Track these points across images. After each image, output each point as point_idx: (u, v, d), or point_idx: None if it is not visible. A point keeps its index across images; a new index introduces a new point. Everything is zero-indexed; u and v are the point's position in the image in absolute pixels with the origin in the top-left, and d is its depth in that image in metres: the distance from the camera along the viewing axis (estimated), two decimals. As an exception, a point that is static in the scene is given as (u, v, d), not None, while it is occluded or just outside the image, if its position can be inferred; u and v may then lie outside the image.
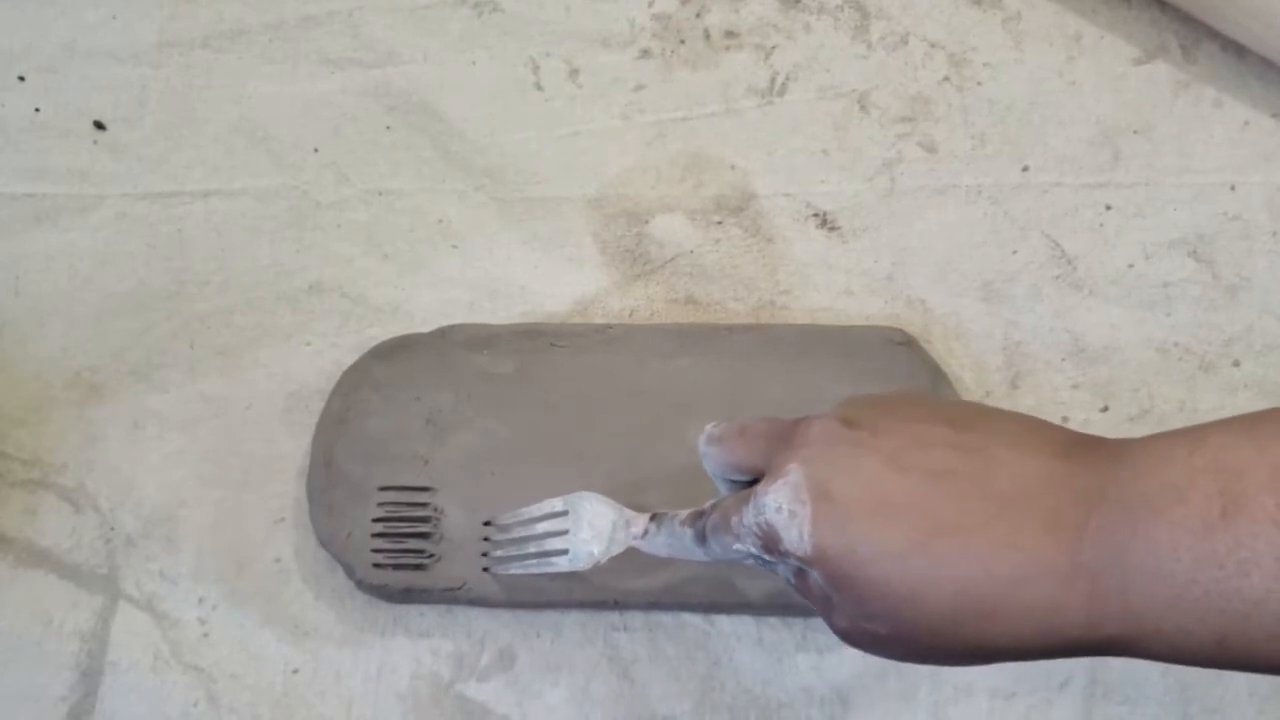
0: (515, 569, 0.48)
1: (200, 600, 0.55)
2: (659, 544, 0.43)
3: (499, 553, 0.49)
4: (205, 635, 0.54)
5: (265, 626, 0.54)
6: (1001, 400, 0.57)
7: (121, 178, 0.62)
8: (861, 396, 0.39)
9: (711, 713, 0.53)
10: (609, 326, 0.57)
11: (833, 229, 0.60)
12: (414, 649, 0.54)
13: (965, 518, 0.34)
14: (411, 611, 0.54)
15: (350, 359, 0.57)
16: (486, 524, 0.53)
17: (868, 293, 0.59)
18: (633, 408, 0.55)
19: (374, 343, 0.57)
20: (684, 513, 0.42)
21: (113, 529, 0.56)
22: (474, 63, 0.64)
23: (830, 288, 0.59)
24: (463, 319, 0.58)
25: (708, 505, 0.41)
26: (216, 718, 0.53)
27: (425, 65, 0.63)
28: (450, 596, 0.53)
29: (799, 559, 0.36)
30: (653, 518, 0.44)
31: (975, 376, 0.57)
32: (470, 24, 0.64)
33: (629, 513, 0.45)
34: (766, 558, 0.37)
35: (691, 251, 0.60)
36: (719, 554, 0.40)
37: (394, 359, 0.56)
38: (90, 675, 0.54)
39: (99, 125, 0.63)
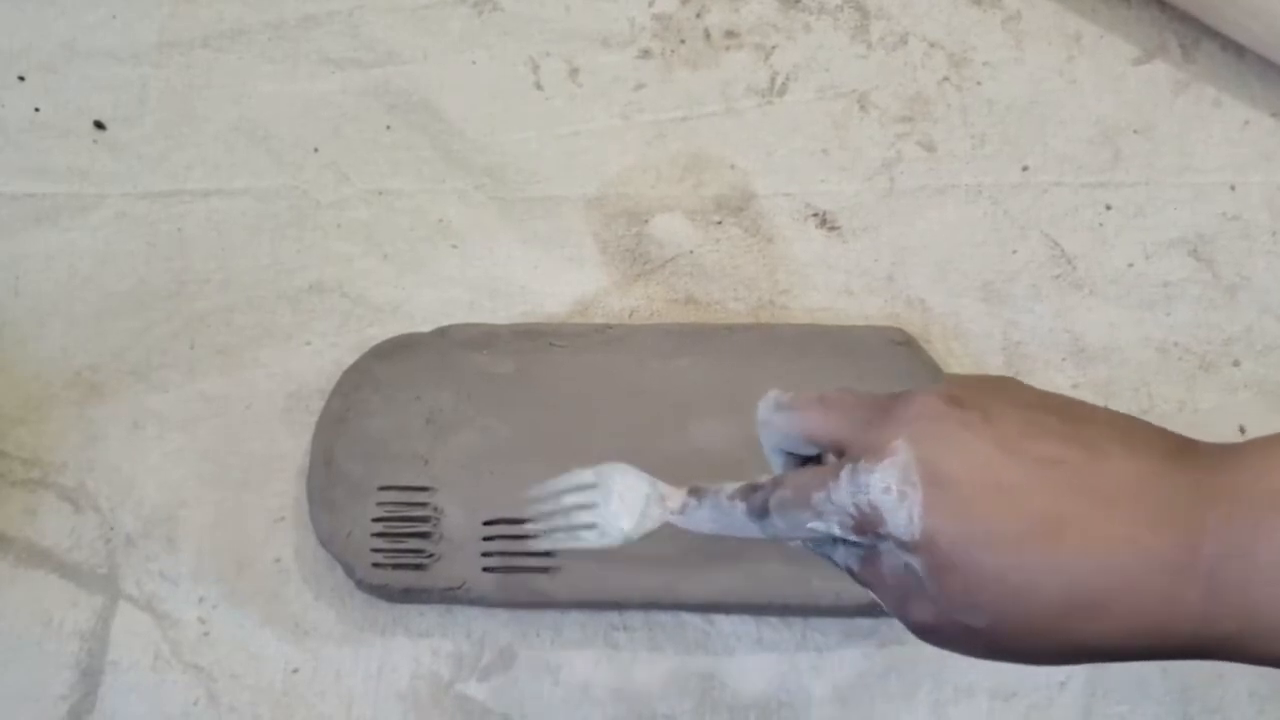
0: (544, 544, 0.44)
1: (200, 599, 0.55)
2: (700, 519, 0.40)
3: (529, 526, 0.45)
4: (205, 634, 0.54)
5: (265, 626, 0.54)
6: (1001, 400, 0.57)
7: (122, 177, 0.62)
8: (961, 376, 0.37)
9: (711, 712, 0.53)
10: (609, 326, 0.57)
11: (832, 229, 0.60)
12: (414, 648, 0.54)
13: (1079, 510, 0.33)
14: (411, 611, 0.54)
15: (350, 358, 0.57)
16: (487, 524, 0.53)
17: (867, 292, 0.59)
18: (633, 407, 0.55)
19: (374, 342, 0.57)
20: (731, 486, 0.39)
21: (113, 528, 0.56)
22: (474, 62, 0.64)
23: (830, 287, 0.59)
24: (463, 319, 0.58)
25: (765, 480, 0.38)
26: (217, 717, 0.53)
27: (425, 65, 0.63)
28: (450, 596, 0.53)
29: (902, 544, 0.34)
30: (692, 491, 0.41)
31: (975, 376, 0.57)
32: (470, 23, 0.64)
33: (664, 486, 0.42)
34: (851, 538, 0.36)
35: (691, 251, 0.60)
36: (782, 531, 0.37)
37: (394, 359, 0.56)
38: (90, 674, 0.54)
39: (99, 125, 0.63)
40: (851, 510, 0.35)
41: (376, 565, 0.53)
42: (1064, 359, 0.58)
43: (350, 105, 0.63)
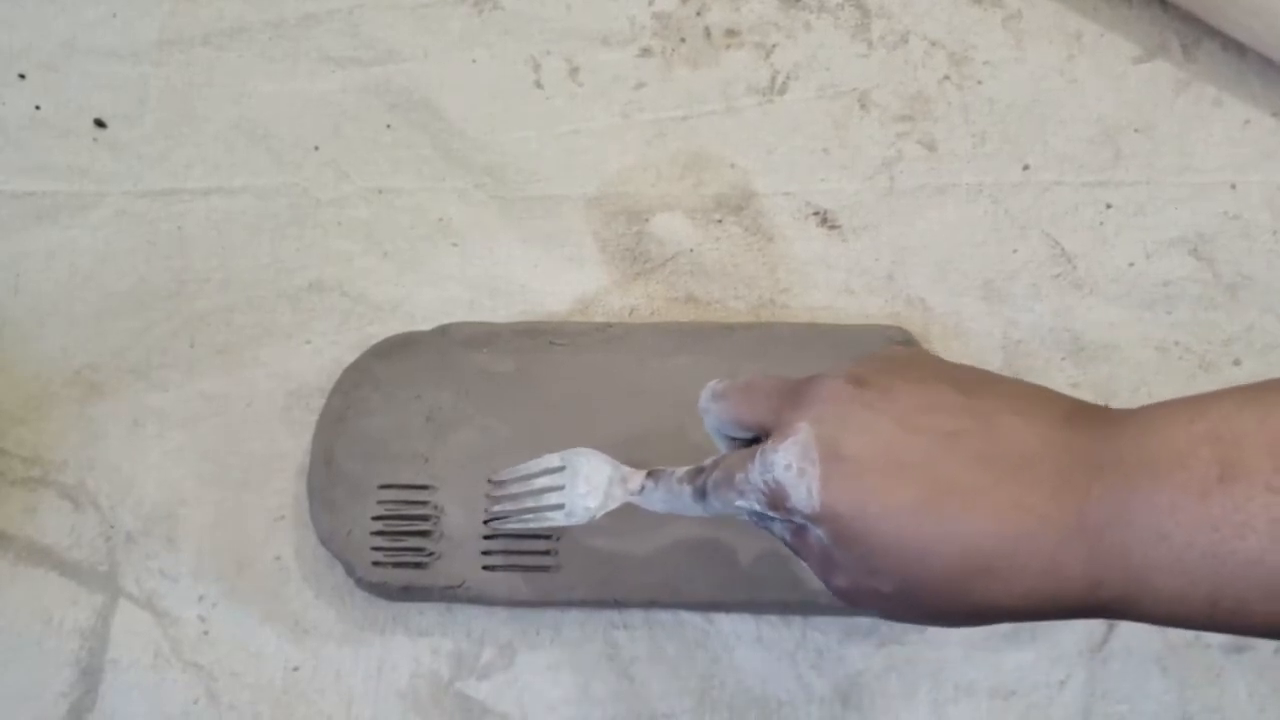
0: (513, 524, 0.48)
1: (200, 598, 0.55)
2: (655, 499, 0.43)
3: (497, 508, 0.49)
4: (205, 633, 0.54)
5: (265, 624, 0.54)
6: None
7: (122, 176, 0.62)
8: (868, 357, 0.39)
9: (711, 711, 0.53)
10: (609, 325, 0.57)
11: (833, 228, 0.60)
12: (414, 647, 0.54)
13: (973, 479, 0.34)
14: (411, 610, 0.54)
15: (350, 357, 0.57)
16: (487, 525, 0.53)
17: (868, 291, 0.59)
18: (633, 406, 0.55)
19: (374, 341, 0.57)
20: (682, 469, 0.42)
21: (113, 527, 0.56)
22: (474, 61, 0.64)
23: (830, 286, 0.59)
24: (463, 317, 0.58)
25: (707, 462, 0.41)
26: (217, 715, 0.53)
27: (425, 63, 0.63)
28: (450, 595, 0.53)
29: (806, 516, 0.36)
30: (650, 474, 0.44)
31: (975, 375, 0.57)
32: (470, 22, 0.64)
33: (626, 469, 0.45)
34: (770, 514, 0.38)
35: (692, 250, 0.60)
36: (718, 510, 0.40)
37: (394, 357, 0.56)
38: (90, 673, 0.54)
39: (99, 123, 0.63)
40: (762, 488, 0.37)
41: (376, 564, 0.53)
42: (1064, 358, 0.58)
43: (350, 104, 0.63)
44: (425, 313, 0.59)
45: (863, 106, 0.62)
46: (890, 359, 0.39)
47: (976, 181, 0.61)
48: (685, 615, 0.54)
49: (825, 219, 0.61)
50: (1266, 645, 0.53)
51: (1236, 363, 0.58)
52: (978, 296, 0.59)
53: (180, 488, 0.56)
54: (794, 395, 0.38)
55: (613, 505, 0.45)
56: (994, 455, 0.35)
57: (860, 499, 0.35)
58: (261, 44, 0.64)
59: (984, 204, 0.60)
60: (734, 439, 0.42)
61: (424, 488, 0.54)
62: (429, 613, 0.54)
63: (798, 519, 0.37)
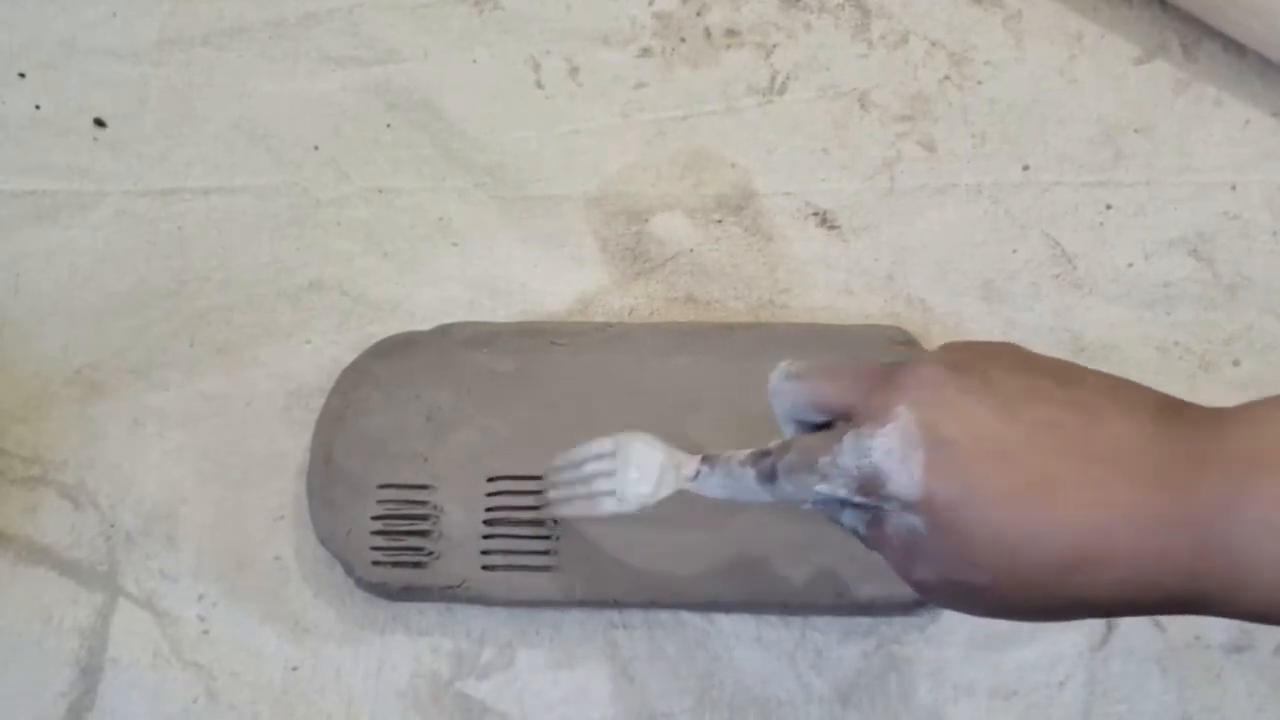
0: (564, 511, 0.46)
1: (200, 597, 0.55)
2: (713, 485, 0.42)
3: (550, 494, 0.47)
4: (205, 632, 0.54)
5: (265, 624, 0.54)
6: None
7: (122, 175, 0.62)
8: (961, 343, 0.38)
9: (710, 711, 0.53)
10: (609, 325, 0.57)
11: (833, 228, 0.60)
12: (413, 647, 0.54)
13: (1074, 469, 0.34)
14: (411, 609, 0.54)
15: (350, 357, 0.57)
16: (488, 521, 0.53)
17: (868, 291, 0.59)
18: (633, 406, 0.55)
19: (374, 340, 0.57)
20: (743, 452, 0.41)
21: (113, 526, 0.56)
22: (474, 61, 0.64)
23: (830, 286, 0.59)
24: (463, 317, 0.58)
25: (774, 445, 0.40)
26: (216, 715, 0.53)
27: (426, 63, 0.63)
28: (449, 594, 0.53)
29: (904, 503, 0.35)
30: (705, 459, 0.43)
31: (975, 375, 0.57)
32: (471, 22, 0.64)
33: (680, 454, 0.44)
34: (854, 500, 0.37)
35: (691, 250, 0.60)
36: (788, 494, 0.39)
37: (394, 357, 0.56)
38: (90, 672, 0.54)
39: (99, 123, 0.63)
40: (855, 473, 0.36)
41: (376, 563, 0.53)
42: (1064, 358, 0.58)
43: (350, 103, 0.63)
44: (425, 312, 0.59)
45: (863, 106, 0.62)
46: (984, 346, 0.38)
47: (976, 182, 0.61)
48: (685, 615, 0.54)
49: (825, 219, 0.61)
50: (1266, 645, 0.53)
51: (1236, 363, 0.58)
52: (978, 296, 0.59)
53: (180, 487, 0.56)
54: (886, 379, 0.37)
55: (666, 492, 0.44)
56: (1094, 447, 0.34)
57: (963, 486, 0.34)
58: (262, 44, 0.64)
59: (984, 204, 0.60)
60: (803, 423, 0.41)
61: (424, 487, 0.54)
62: (429, 612, 0.54)
63: (891, 506, 0.36)
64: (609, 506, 0.44)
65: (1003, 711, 0.52)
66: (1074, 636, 0.53)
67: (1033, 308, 0.59)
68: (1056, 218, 0.60)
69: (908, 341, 0.56)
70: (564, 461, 0.47)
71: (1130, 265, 0.59)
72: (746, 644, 0.54)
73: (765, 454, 0.40)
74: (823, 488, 0.37)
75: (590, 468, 0.45)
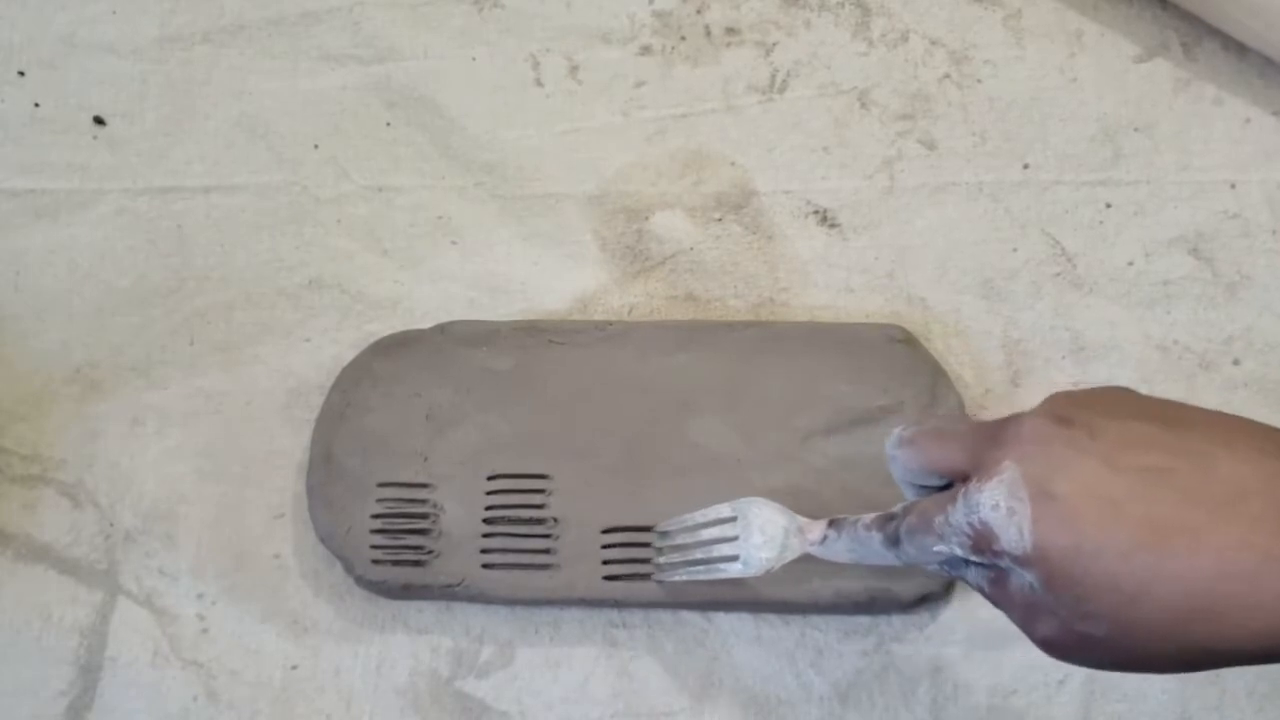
0: (682, 576, 0.48)
1: (199, 596, 0.55)
2: (839, 550, 0.43)
3: (663, 559, 0.49)
4: (204, 631, 0.54)
5: (264, 622, 0.54)
6: (1001, 398, 0.57)
7: (121, 173, 0.62)
8: (1067, 393, 0.38)
9: (710, 709, 0.53)
10: (609, 323, 0.57)
11: (833, 226, 0.60)
12: (413, 645, 0.54)
13: (1189, 516, 0.34)
14: (410, 608, 0.54)
15: (350, 355, 0.57)
16: (487, 520, 0.53)
17: (868, 290, 0.59)
18: (632, 404, 0.55)
19: (373, 338, 0.57)
20: (868, 516, 0.42)
21: (112, 524, 0.56)
22: (474, 59, 0.64)
23: (830, 285, 0.59)
24: (462, 315, 0.58)
25: (898, 508, 0.40)
26: (216, 713, 0.53)
27: (425, 61, 0.63)
28: (449, 593, 0.53)
29: (1015, 559, 0.35)
30: (831, 523, 0.44)
31: (975, 374, 0.57)
32: (471, 19, 0.64)
33: (801, 519, 0.45)
34: (973, 558, 0.37)
35: (691, 248, 0.60)
36: (913, 557, 0.40)
37: (393, 355, 0.56)
38: (89, 670, 0.54)
39: (99, 120, 0.63)
40: (967, 530, 0.36)
41: (376, 562, 0.53)
42: (1064, 357, 0.58)
43: (350, 101, 0.63)
44: (425, 310, 0.59)
45: (863, 105, 0.62)
46: (1090, 395, 0.38)
47: (976, 180, 0.61)
48: (684, 614, 0.54)
49: (825, 217, 0.61)
50: (1265, 644, 0.53)
51: (1236, 362, 0.58)
52: (978, 295, 0.59)
53: (179, 485, 0.56)
54: (992, 436, 0.37)
55: (790, 557, 0.45)
56: (1207, 491, 0.34)
57: (1073, 538, 0.34)
58: (261, 41, 0.64)
59: (984, 203, 0.60)
60: (922, 487, 0.41)
61: (423, 486, 0.54)
62: (428, 611, 0.54)
63: (1004, 562, 0.36)
64: (733, 571, 0.46)
65: (1002, 710, 0.52)
66: (1073, 635, 0.53)
67: (1033, 306, 0.59)
68: (1056, 216, 0.60)
69: (907, 340, 0.56)
70: (678, 525, 0.48)
71: (1130, 264, 0.59)
72: (746, 643, 0.54)
73: (890, 517, 0.40)
74: (941, 548, 0.38)
75: (709, 533, 0.47)
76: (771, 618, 0.54)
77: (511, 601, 0.53)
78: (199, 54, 0.64)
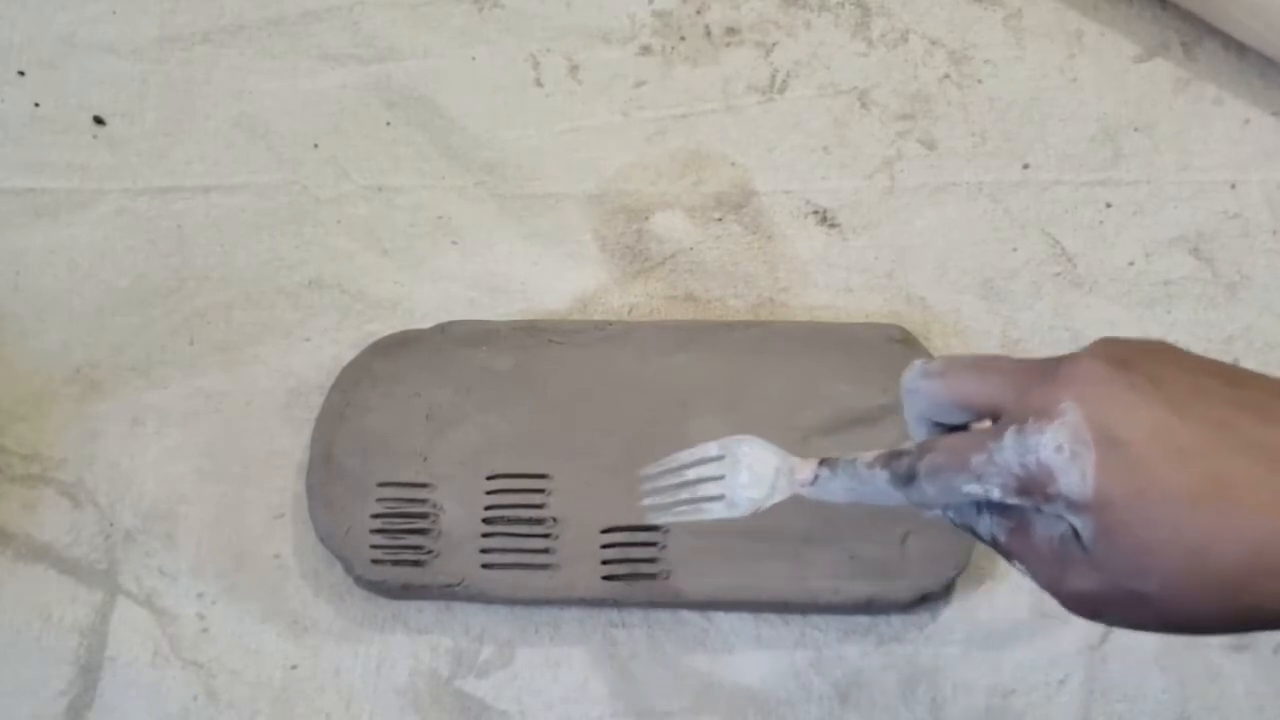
0: (665, 517, 0.45)
1: (199, 595, 0.55)
2: (834, 489, 0.41)
3: (647, 502, 0.45)
4: (204, 630, 0.54)
5: (264, 622, 0.54)
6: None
7: (121, 173, 0.62)
8: (1118, 339, 0.37)
9: (709, 709, 0.53)
10: (608, 323, 0.57)
11: (833, 226, 0.60)
12: (413, 645, 0.54)
13: (1255, 471, 0.32)
14: (410, 607, 0.54)
15: (350, 355, 0.57)
16: (487, 520, 0.53)
17: (867, 290, 0.59)
18: (632, 404, 0.55)
19: (373, 338, 0.57)
20: (869, 454, 0.39)
21: (112, 524, 0.56)
22: (474, 58, 0.64)
23: (830, 285, 0.59)
24: (462, 315, 0.58)
25: (909, 445, 0.38)
26: (215, 713, 0.53)
27: (425, 61, 0.63)
28: (449, 593, 0.53)
29: (1072, 504, 0.34)
30: (824, 462, 0.41)
31: (975, 374, 0.57)
32: (471, 19, 0.64)
33: (794, 459, 0.42)
34: (1011, 501, 0.35)
35: (691, 248, 0.60)
36: (930, 497, 0.37)
37: (393, 355, 0.56)
38: (89, 670, 0.54)
39: (99, 120, 0.63)
40: (1018, 470, 0.35)
41: (375, 561, 0.53)
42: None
43: (350, 101, 0.63)
44: (424, 310, 0.59)
45: (863, 105, 0.62)
46: (1141, 344, 0.37)
47: (976, 180, 0.61)
48: (684, 614, 0.54)
49: (825, 217, 0.61)
50: (1265, 644, 0.53)
51: (1236, 362, 0.57)
52: (977, 295, 0.59)
53: (179, 485, 0.56)
54: (1045, 374, 0.35)
55: (779, 497, 0.42)
56: (1271, 445, 0.33)
57: (1138, 486, 0.33)
58: (261, 41, 0.64)
59: (984, 203, 0.60)
60: (938, 425, 0.39)
61: (423, 485, 0.54)
62: (428, 610, 0.54)
63: (1055, 508, 0.34)
64: (717, 512, 0.43)
65: (1002, 710, 0.52)
66: (1073, 635, 0.53)
67: (1032, 306, 0.59)
68: (1056, 216, 0.60)
69: (907, 339, 0.56)
70: (663, 466, 0.45)
71: (1130, 264, 0.59)
72: (745, 642, 0.54)
73: (900, 454, 0.38)
74: (973, 488, 0.36)
75: (695, 472, 0.44)
76: (771, 618, 0.54)
77: (511, 601, 0.53)
78: (199, 54, 0.64)
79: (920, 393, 0.39)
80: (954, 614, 0.53)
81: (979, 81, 0.62)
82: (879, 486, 0.39)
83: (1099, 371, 0.35)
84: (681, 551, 0.52)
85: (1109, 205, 0.60)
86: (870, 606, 0.52)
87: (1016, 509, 0.36)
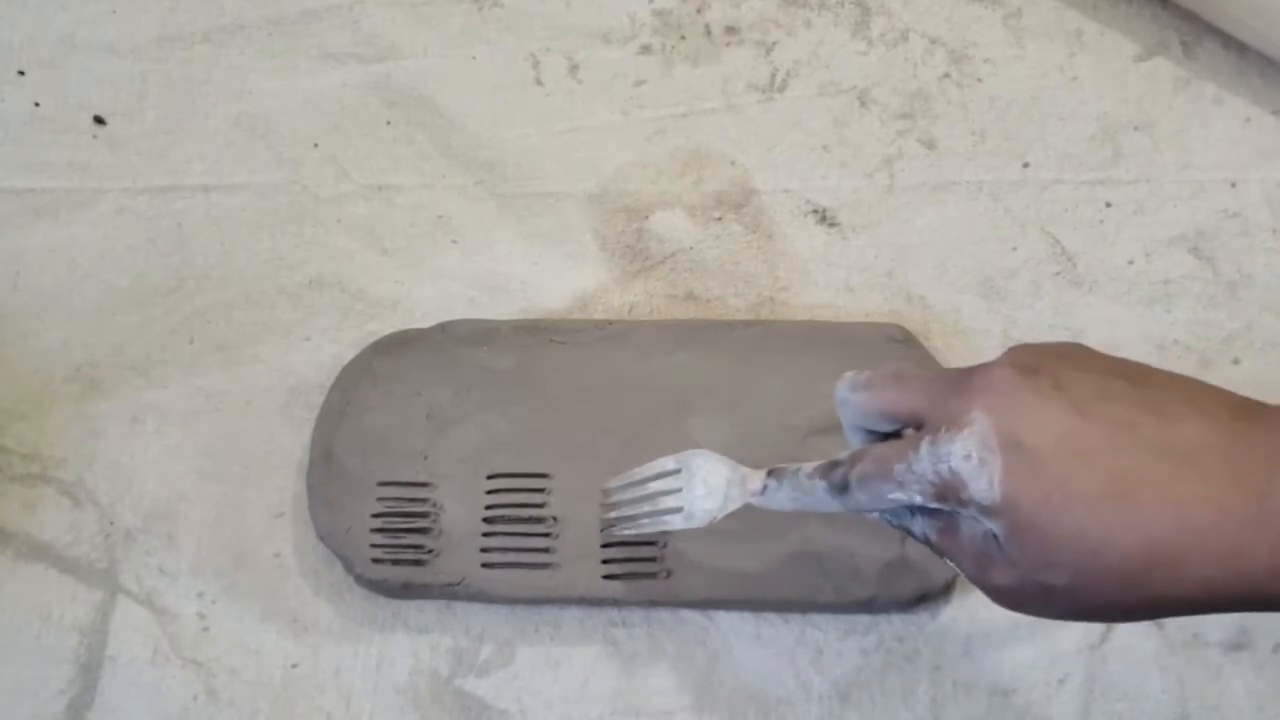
0: (628, 530, 0.47)
1: (199, 595, 0.55)
2: (781, 499, 0.43)
3: (611, 515, 0.48)
4: (204, 630, 0.54)
5: (264, 621, 0.54)
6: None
7: (121, 172, 0.62)
8: (1029, 345, 0.39)
9: (710, 709, 0.53)
10: (609, 322, 0.57)
11: (833, 225, 0.60)
12: (413, 644, 0.54)
13: (1154, 470, 0.34)
14: (410, 607, 0.54)
15: (350, 354, 0.57)
16: (487, 519, 0.53)
17: (867, 289, 0.59)
18: (632, 403, 0.55)
19: (374, 338, 0.57)
20: (809, 465, 0.41)
21: (112, 523, 0.56)
22: (474, 58, 0.64)
23: (830, 284, 0.59)
24: (462, 314, 0.58)
25: (844, 455, 0.40)
26: (216, 712, 0.53)
27: (425, 60, 0.63)
28: (449, 592, 0.53)
29: (983, 508, 0.36)
30: (771, 473, 0.43)
31: (975, 373, 0.57)
32: (471, 18, 0.64)
33: (744, 470, 0.44)
34: (932, 506, 0.37)
35: (691, 247, 0.60)
36: (862, 504, 0.39)
37: (394, 354, 0.56)
38: (89, 669, 0.54)
39: (99, 120, 0.63)
40: (933, 478, 0.36)
41: (376, 561, 0.53)
42: (1064, 356, 0.58)
43: (350, 100, 0.63)
44: (425, 309, 0.59)
45: (863, 104, 0.62)
46: (1053, 347, 0.38)
47: (976, 179, 0.61)
48: (684, 613, 0.54)
49: (825, 216, 0.61)
50: (1265, 643, 0.53)
51: (1236, 361, 0.58)
52: (977, 294, 0.59)
53: (179, 484, 0.56)
54: (958, 384, 0.37)
55: (732, 507, 0.44)
56: (1170, 445, 0.35)
57: (1042, 489, 0.35)
58: (261, 40, 0.64)
59: (984, 202, 0.60)
60: (870, 433, 0.41)
61: (423, 485, 0.54)
62: (428, 609, 0.54)
63: (967, 512, 0.36)
64: (677, 523, 0.45)
65: (1002, 709, 0.52)
66: (1072, 635, 0.53)
67: (1032, 305, 0.59)
68: (1056, 215, 0.60)
69: (906, 339, 0.56)
70: (625, 481, 0.48)
71: (1130, 263, 0.59)
72: (746, 641, 0.54)
73: (835, 465, 0.40)
74: (898, 495, 0.38)
75: (655, 486, 0.46)
76: (771, 617, 0.54)
77: (511, 600, 0.53)
78: (199, 53, 0.64)
79: (849, 404, 0.41)
80: (954, 614, 0.53)
81: (979, 80, 0.62)
82: (819, 496, 0.41)
83: (1008, 379, 0.36)
84: (682, 551, 0.52)
85: (1109, 204, 0.60)
86: (870, 606, 0.52)
87: (944, 511, 0.37)
